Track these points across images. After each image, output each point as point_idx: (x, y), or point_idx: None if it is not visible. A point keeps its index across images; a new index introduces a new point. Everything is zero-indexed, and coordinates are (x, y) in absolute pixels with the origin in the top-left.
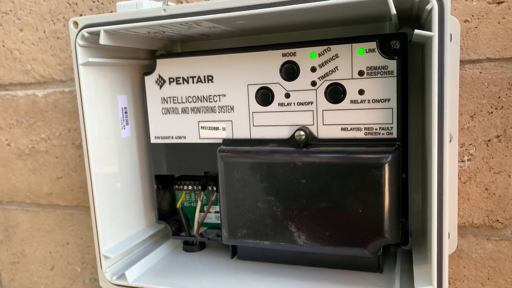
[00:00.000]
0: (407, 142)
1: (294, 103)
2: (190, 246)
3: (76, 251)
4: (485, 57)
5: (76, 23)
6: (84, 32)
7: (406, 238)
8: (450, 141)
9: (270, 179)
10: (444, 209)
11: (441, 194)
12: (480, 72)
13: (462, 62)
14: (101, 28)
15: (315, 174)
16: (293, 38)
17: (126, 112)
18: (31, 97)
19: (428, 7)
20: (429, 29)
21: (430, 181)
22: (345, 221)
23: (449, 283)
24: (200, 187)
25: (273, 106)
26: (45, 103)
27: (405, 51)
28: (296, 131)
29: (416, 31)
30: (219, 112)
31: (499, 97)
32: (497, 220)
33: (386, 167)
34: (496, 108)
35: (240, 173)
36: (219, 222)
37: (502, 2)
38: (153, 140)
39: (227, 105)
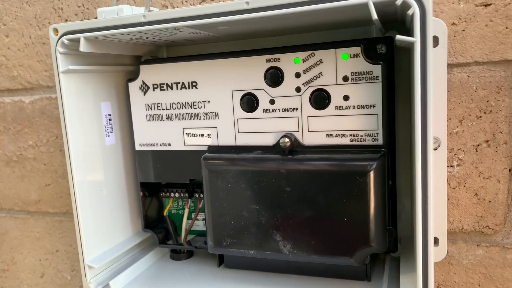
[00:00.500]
0: (395, 148)
1: (279, 109)
2: (177, 254)
3: (65, 258)
4: (473, 61)
5: (56, 30)
6: (64, 39)
7: (395, 245)
8: (439, 146)
9: (255, 187)
10: (429, 216)
11: (426, 201)
12: (469, 76)
13: (450, 66)
14: (81, 35)
15: (300, 182)
16: (282, 42)
17: (110, 119)
18: (18, 103)
19: (410, 12)
20: (413, 34)
21: (414, 187)
22: (330, 230)
23: None
24: (187, 194)
25: (258, 112)
26: (32, 109)
27: (391, 55)
28: (280, 138)
29: (398, 36)
30: (203, 119)
31: (487, 101)
32: (487, 226)
33: (371, 174)
34: (485, 112)
35: (225, 181)
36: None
37: (490, 5)
38: (137, 148)
39: (211, 112)
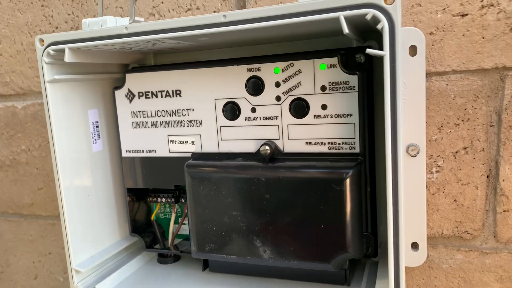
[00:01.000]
0: (374, 156)
1: (260, 117)
2: (164, 258)
3: (58, 261)
4: (451, 69)
5: (42, 41)
6: (50, 49)
7: (375, 251)
8: (418, 152)
9: (236, 194)
10: (399, 222)
11: (396, 207)
12: (447, 84)
13: (429, 74)
14: (65, 46)
15: (279, 189)
16: (264, 51)
17: (97, 126)
18: (10, 108)
19: (379, 26)
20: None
21: (385, 194)
22: (308, 236)
23: None
24: (173, 200)
25: (240, 120)
26: (25, 114)
27: (370, 64)
28: (261, 146)
29: (368, 50)
30: (187, 126)
31: (465, 109)
32: (466, 231)
33: (347, 182)
34: (462, 120)
35: (207, 188)
36: None
37: (466, 15)
38: (124, 154)
39: (195, 119)
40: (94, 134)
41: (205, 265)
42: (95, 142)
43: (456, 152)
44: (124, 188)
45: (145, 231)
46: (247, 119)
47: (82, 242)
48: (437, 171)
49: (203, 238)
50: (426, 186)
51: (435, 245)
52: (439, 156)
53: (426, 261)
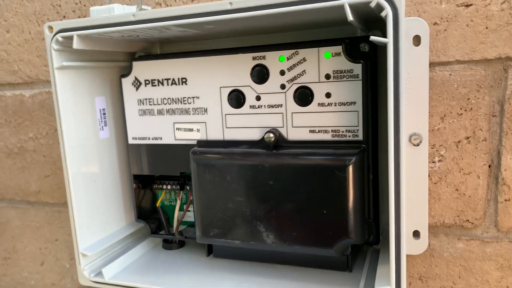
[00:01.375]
0: (377, 144)
1: (264, 105)
2: (169, 244)
3: (64, 247)
4: (455, 59)
5: (50, 28)
6: (58, 36)
7: (377, 238)
8: (421, 142)
9: (240, 181)
10: (401, 210)
11: (398, 197)
12: (450, 74)
13: (433, 64)
14: (74, 33)
15: (282, 176)
16: (270, 40)
17: (104, 114)
18: (18, 97)
19: (383, 14)
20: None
21: (387, 182)
22: (311, 222)
23: (422, 281)
24: (178, 187)
25: (245, 108)
26: (32, 103)
27: (374, 53)
28: (265, 133)
29: (372, 38)
30: (193, 114)
31: (468, 99)
32: (468, 220)
33: (350, 169)
34: (465, 110)
35: (212, 174)
36: None
37: (470, 5)
38: (130, 141)
39: (200, 107)
40: (101, 121)
41: (210, 250)
42: (102, 129)
43: (459, 141)
44: (130, 175)
45: (150, 218)
46: (251, 107)
47: (89, 227)
48: (439, 161)
49: (208, 224)
50: (428, 175)
51: (437, 234)
52: (441, 145)
53: (427, 249)
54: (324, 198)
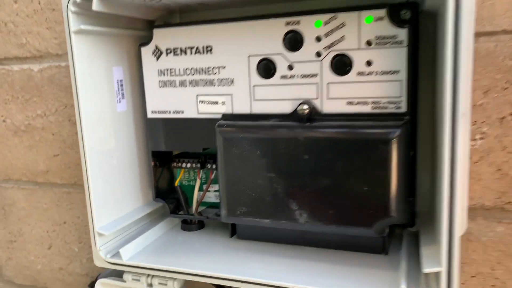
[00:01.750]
0: (416, 117)
1: (297, 75)
2: (188, 225)
3: (73, 230)
4: (501, 29)
5: None
6: None
7: (412, 219)
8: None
9: (271, 155)
10: (455, 187)
11: (453, 174)
12: (496, 45)
13: (477, 35)
14: None
15: (318, 150)
16: (303, 7)
17: (121, 85)
18: (26, 71)
19: None
20: None
21: (441, 160)
22: (349, 199)
23: None
24: (199, 165)
25: (275, 78)
26: (41, 78)
27: (416, 22)
28: (299, 105)
29: None
30: (218, 85)
31: None
32: (510, 202)
33: (394, 142)
34: (511, 84)
35: (240, 149)
36: (218, 201)
37: None
38: (149, 115)
39: (226, 78)
40: (119, 93)
41: (233, 231)
42: (119, 102)
43: (503, 118)
44: (148, 151)
45: (168, 198)
46: (283, 77)
47: (105, 206)
48: (481, 138)
49: (235, 202)
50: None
51: (474, 217)
52: (483, 122)
53: (464, 233)
54: (364, 174)
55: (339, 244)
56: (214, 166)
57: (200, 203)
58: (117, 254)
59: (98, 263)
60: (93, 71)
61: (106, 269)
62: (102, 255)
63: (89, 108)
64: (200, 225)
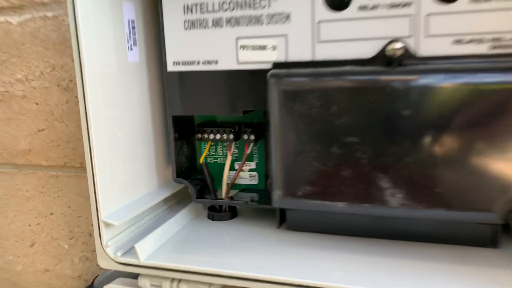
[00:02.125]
0: None
1: (381, 5)
2: (217, 213)
3: (62, 223)
4: None
5: None
6: None
7: None
8: None
9: (354, 113)
10: None
11: None
12: None
13: None
14: None
15: (420, 105)
16: None
17: (133, 27)
18: (3, 25)
19: None
20: None
21: None
22: (466, 174)
23: None
24: (231, 136)
25: (351, 10)
26: (22, 33)
27: None
28: (388, 43)
29: None
30: (267, 24)
31: None
32: None
33: None
34: None
35: (306, 105)
36: (255, 183)
37: None
38: (170, 68)
39: (279, 13)
40: (130, 38)
41: (282, 219)
42: (131, 49)
43: None
44: (165, 117)
45: (188, 179)
46: (361, 8)
47: (112, 189)
48: None
49: (295, 179)
50: None
51: None
52: None
53: None
54: (490, 138)
55: (432, 235)
56: (251, 137)
57: (232, 185)
58: (131, 251)
59: (104, 263)
60: (98, 8)
61: (106, 269)
62: (110, 253)
63: (94, 55)
64: (233, 214)
